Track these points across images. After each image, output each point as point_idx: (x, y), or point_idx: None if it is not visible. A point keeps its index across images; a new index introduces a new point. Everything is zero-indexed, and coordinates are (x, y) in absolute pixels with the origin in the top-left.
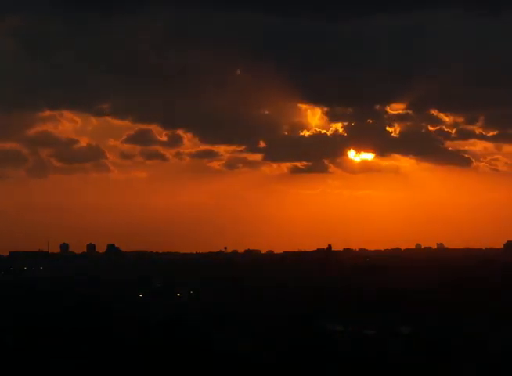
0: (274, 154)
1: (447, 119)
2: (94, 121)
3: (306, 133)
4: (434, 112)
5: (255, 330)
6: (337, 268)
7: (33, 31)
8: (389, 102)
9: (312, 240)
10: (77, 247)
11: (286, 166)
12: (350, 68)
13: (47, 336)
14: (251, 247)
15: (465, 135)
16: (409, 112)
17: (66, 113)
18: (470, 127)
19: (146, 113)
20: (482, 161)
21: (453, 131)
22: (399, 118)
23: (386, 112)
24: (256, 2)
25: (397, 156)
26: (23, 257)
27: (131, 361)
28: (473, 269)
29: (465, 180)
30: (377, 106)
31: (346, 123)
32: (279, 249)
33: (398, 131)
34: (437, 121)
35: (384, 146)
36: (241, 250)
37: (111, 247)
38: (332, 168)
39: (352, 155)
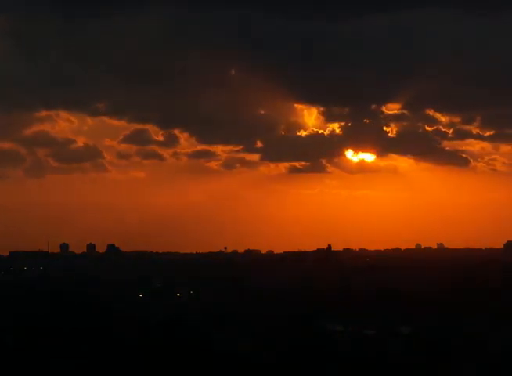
0: (271, 154)
1: (444, 119)
2: (90, 120)
3: (303, 133)
4: (431, 112)
5: (255, 330)
6: (337, 268)
7: (29, 31)
8: (386, 102)
9: (312, 240)
10: (77, 247)
11: (283, 166)
12: (347, 68)
13: (47, 336)
14: (251, 247)
15: (462, 135)
16: (406, 112)
17: (63, 114)
18: (467, 127)
19: (143, 113)
20: (480, 161)
21: (450, 131)
22: (396, 118)
23: (382, 112)
24: (253, 2)
25: (395, 156)
26: (23, 257)
27: (131, 361)
28: (473, 269)
29: (464, 180)
30: (375, 106)
31: (343, 123)
32: (279, 249)
33: (395, 131)
34: (434, 121)
35: (381, 146)
36: (241, 250)
37: (111, 247)
38: (330, 167)
39: (350, 155)
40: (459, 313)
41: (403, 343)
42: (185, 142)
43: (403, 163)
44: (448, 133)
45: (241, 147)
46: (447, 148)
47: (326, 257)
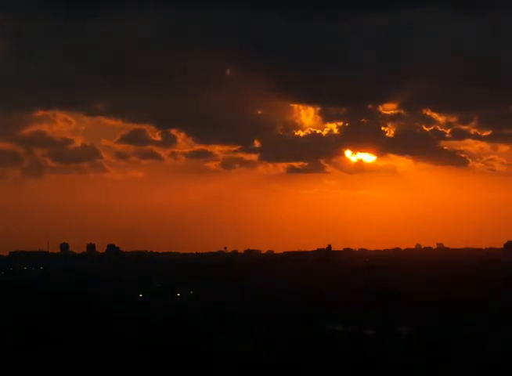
0: (270, 154)
1: (442, 119)
2: (88, 120)
3: (301, 133)
4: (427, 111)
5: (255, 330)
6: (337, 268)
7: (27, 31)
8: (385, 101)
9: (312, 240)
10: (77, 247)
11: (282, 166)
12: (345, 68)
13: (47, 336)
14: (251, 247)
15: (460, 135)
16: (404, 112)
17: (61, 114)
18: (465, 127)
19: (140, 113)
20: (478, 161)
21: (448, 131)
22: (394, 118)
23: (380, 112)
24: (251, 2)
25: (393, 156)
26: (23, 257)
27: (131, 361)
28: (473, 269)
29: (463, 180)
30: (373, 106)
31: (341, 123)
32: (279, 249)
33: (393, 131)
34: (432, 121)
35: (380, 146)
36: (241, 250)
37: (111, 247)
38: (328, 167)
39: (348, 155)
40: (459, 313)
41: (403, 343)
42: (183, 142)
43: (402, 163)
44: (446, 133)
45: (239, 147)
46: (445, 147)
47: (326, 257)
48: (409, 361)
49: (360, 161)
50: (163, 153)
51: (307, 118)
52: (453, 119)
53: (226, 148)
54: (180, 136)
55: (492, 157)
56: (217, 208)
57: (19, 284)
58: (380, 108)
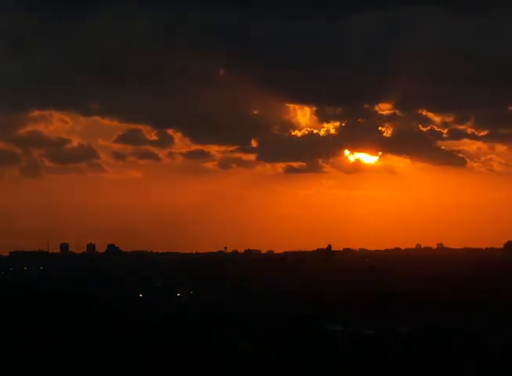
0: (267, 154)
1: (439, 119)
2: (84, 120)
3: (298, 133)
4: (426, 112)
5: (255, 330)
6: (337, 268)
7: (24, 31)
8: (385, 101)
9: (312, 240)
10: (77, 247)
11: (280, 166)
12: (343, 68)
13: (47, 336)
14: (251, 247)
15: (457, 135)
16: (401, 112)
17: (57, 114)
18: (462, 127)
19: (137, 113)
20: (476, 161)
21: (445, 131)
22: (392, 118)
23: (377, 112)
24: (247, 3)
25: (391, 156)
26: (23, 257)
27: (131, 361)
28: (473, 269)
29: (463, 180)
30: (374, 106)
31: (338, 123)
32: (279, 249)
33: (390, 132)
34: (431, 122)
35: (378, 145)
36: (241, 250)
37: (111, 247)
38: (326, 167)
39: (346, 155)
40: (459, 313)
41: (403, 343)
42: (180, 142)
43: (400, 163)
44: (443, 133)
45: (236, 147)
46: (442, 147)
47: (326, 257)
48: (409, 361)
49: (358, 161)
50: (160, 153)
51: (303, 118)
52: (450, 119)
53: (223, 148)
54: (177, 136)
55: (489, 157)
56: (216, 208)
57: (19, 284)
58: (383, 108)
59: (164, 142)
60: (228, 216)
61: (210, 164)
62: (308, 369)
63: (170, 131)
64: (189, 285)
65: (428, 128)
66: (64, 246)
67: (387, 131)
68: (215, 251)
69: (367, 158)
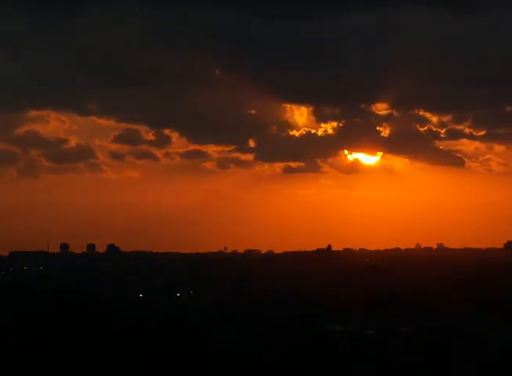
0: (265, 154)
1: (436, 119)
2: (81, 120)
3: (296, 133)
4: (423, 112)
5: (255, 330)
6: (337, 268)
7: (20, 31)
8: (382, 101)
9: (312, 240)
10: (77, 247)
11: (278, 166)
12: (341, 67)
13: (47, 336)
14: (251, 247)
15: (455, 135)
16: (399, 112)
17: (54, 114)
18: (460, 127)
19: (134, 113)
20: (474, 161)
21: (443, 131)
22: (389, 118)
23: (375, 112)
24: (244, 3)
25: (389, 155)
26: (23, 257)
27: (131, 361)
28: (473, 269)
29: (463, 180)
30: (374, 106)
31: (335, 123)
32: (279, 249)
33: (388, 132)
34: (428, 122)
35: (376, 145)
36: (241, 250)
37: (111, 247)
38: (325, 167)
39: (345, 155)
40: (459, 313)
41: (403, 343)
42: (178, 142)
43: (398, 163)
44: (441, 133)
45: (234, 147)
46: (441, 148)
47: (325, 257)
48: (409, 361)
49: (356, 161)
50: (158, 153)
51: (301, 118)
52: (448, 119)
53: (221, 148)
54: (174, 136)
55: (488, 157)
56: (216, 208)
57: (19, 284)
58: (383, 108)
59: (162, 142)
60: (227, 216)
61: (208, 164)
62: (308, 369)
63: (167, 132)
64: (189, 285)
65: (426, 128)
66: (64, 246)
67: (385, 132)
68: (215, 251)
69: (365, 158)
